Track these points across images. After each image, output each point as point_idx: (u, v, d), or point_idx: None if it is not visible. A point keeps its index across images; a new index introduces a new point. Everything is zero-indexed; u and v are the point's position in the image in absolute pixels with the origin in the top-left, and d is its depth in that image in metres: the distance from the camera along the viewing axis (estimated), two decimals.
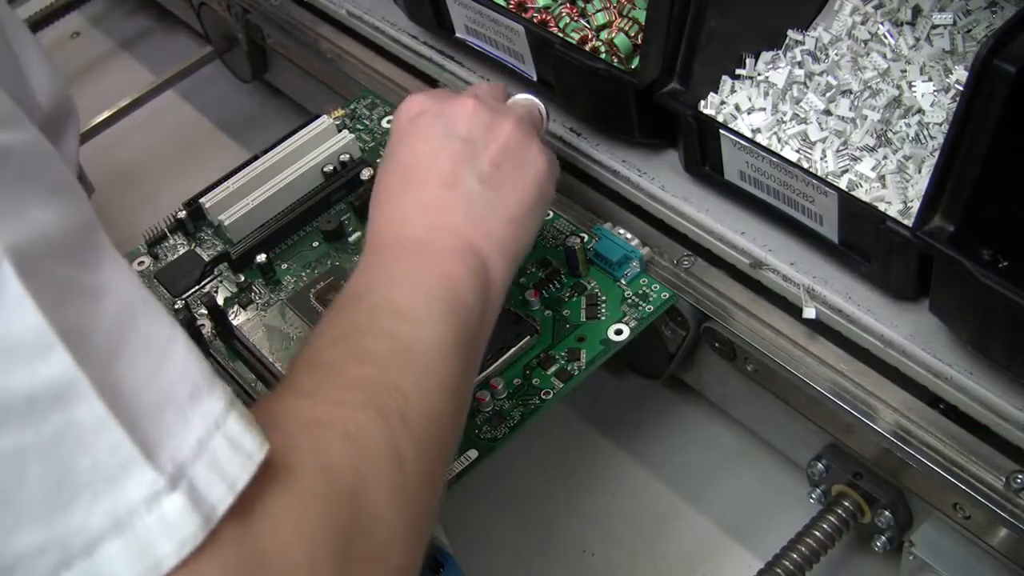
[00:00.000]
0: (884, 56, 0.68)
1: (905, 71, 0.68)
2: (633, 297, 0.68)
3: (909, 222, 0.58)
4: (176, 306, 0.73)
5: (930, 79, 0.66)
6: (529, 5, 0.80)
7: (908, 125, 0.65)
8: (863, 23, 0.71)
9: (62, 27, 1.23)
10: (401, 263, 0.55)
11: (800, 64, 0.70)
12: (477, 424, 0.64)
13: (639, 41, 0.75)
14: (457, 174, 0.58)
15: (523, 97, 0.67)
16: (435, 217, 0.57)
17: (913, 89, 0.66)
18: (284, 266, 0.75)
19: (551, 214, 0.73)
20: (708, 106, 0.70)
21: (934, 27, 0.69)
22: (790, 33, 0.72)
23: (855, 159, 0.64)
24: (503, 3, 0.79)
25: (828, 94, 0.67)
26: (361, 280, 0.55)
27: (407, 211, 0.58)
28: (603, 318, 0.67)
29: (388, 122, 0.83)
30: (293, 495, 0.41)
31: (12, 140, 0.39)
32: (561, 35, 0.76)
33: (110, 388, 0.37)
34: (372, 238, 0.58)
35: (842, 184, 0.63)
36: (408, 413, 0.47)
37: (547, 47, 0.73)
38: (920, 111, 0.66)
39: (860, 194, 0.63)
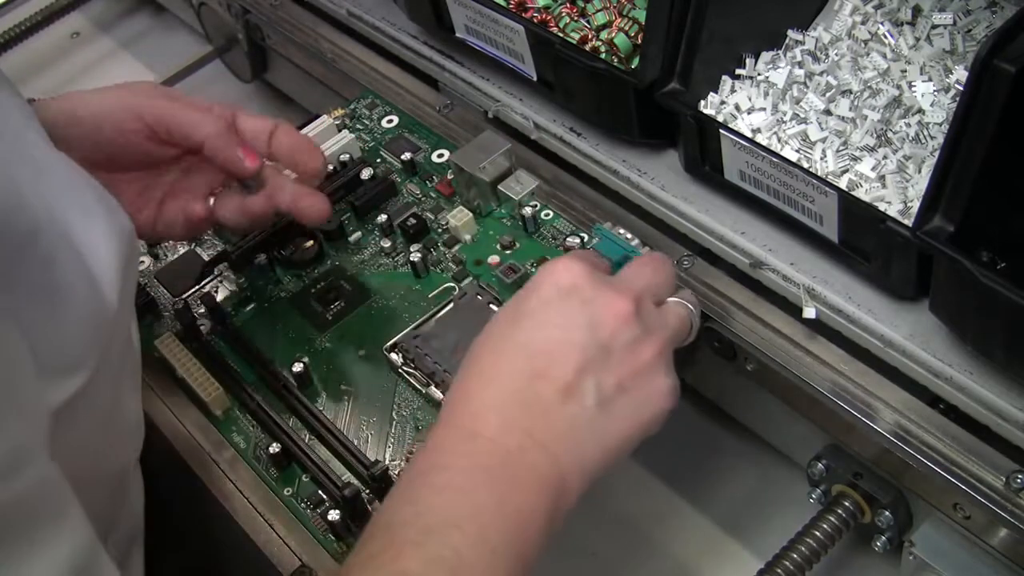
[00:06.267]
0: (884, 56, 0.68)
1: (905, 71, 0.68)
2: None
3: (909, 222, 0.58)
4: (176, 306, 0.73)
5: (930, 79, 0.66)
6: (529, 5, 0.80)
7: (908, 125, 0.65)
8: (863, 23, 0.71)
9: (62, 27, 1.23)
10: (477, 489, 0.50)
11: (800, 64, 0.70)
12: None
13: (639, 41, 0.75)
14: (579, 383, 0.52)
15: (682, 304, 0.59)
16: (534, 425, 0.51)
17: (913, 89, 0.66)
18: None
19: (551, 214, 0.73)
20: (708, 106, 0.70)
21: (934, 27, 0.69)
22: (790, 33, 0.72)
23: (855, 159, 0.64)
24: (503, 3, 0.79)
25: (828, 94, 0.67)
26: (425, 492, 0.49)
27: (508, 400, 0.52)
28: None
29: (388, 122, 0.83)
30: None
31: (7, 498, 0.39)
32: (561, 35, 0.76)
33: None
34: (458, 408, 0.53)
35: (842, 184, 0.63)
36: None
37: (547, 47, 0.73)
38: (920, 111, 0.66)
39: (860, 194, 0.63)
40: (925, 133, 0.64)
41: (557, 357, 0.53)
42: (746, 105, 0.69)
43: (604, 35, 0.76)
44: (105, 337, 0.48)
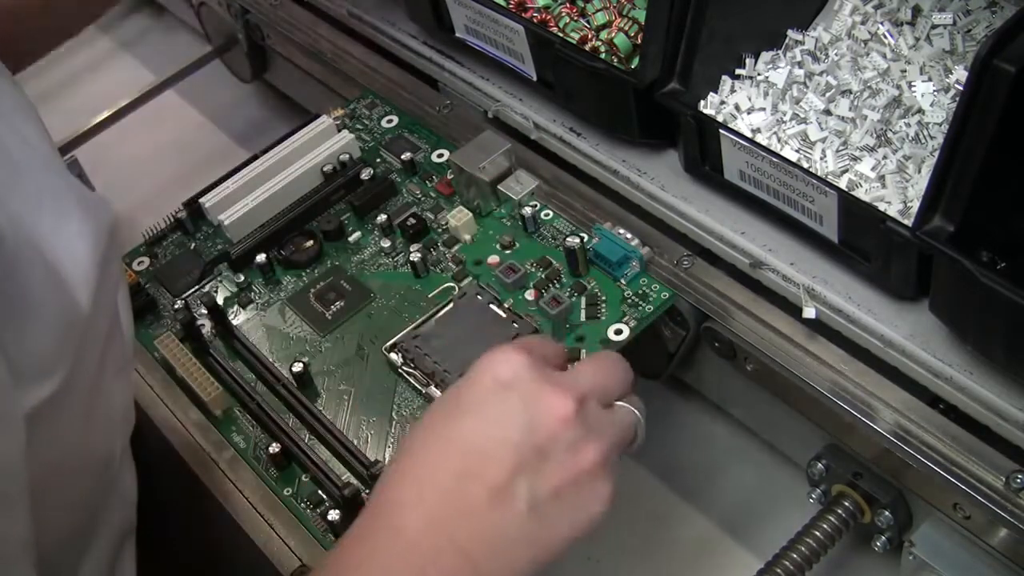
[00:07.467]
0: (884, 56, 0.68)
1: (905, 71, 0.68)
2: (633, 297, 0.68)
3: (909, 222, 0.58)
4: (176, 306, 0.73)
5: (930, 79, 0.66)
6: (529, 5, 0.80)
7: (908, 125, 0.65)
8: (863, 23, 0.71)
9: None
10: None
11: (800, 64, 0.70)
12: None
13: (639, 41, 0.75)
14: (511, 487, 0.50)
15: (630, 411, 0.56)
16: (457, 528, 0.49)
17: (913, 89, 0.66)
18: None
19: (551, 214, 0.73)
20: (708, 106, 0.70)
21: (934, 27, 0.69)
22: (790, 33, 0.72)
23: (855, 159, 0.64)
24: (503, 3, 0.79)
25: (828, 94, 0.67)
26: None
27: (435, 499, 0.50)
28: (603, 318, 0.67)
29: (388, 122, 0.83)
30: None
31: None
32: (561, 35, 0.76)
33: None
34: (386, 497, 0.51)
35: (842, 184, 0.63)
36: None
37: (547, 47, 0.73)
38: (920, 111, 0.66)
39: (860, 194, 0.63)
40: (925, 133, 0.64)
41: (490, 457, 0.50)
42: (746, 105, 0.69)
43: (604, 35, 0.76)
44: (77, 342, 0.47)
